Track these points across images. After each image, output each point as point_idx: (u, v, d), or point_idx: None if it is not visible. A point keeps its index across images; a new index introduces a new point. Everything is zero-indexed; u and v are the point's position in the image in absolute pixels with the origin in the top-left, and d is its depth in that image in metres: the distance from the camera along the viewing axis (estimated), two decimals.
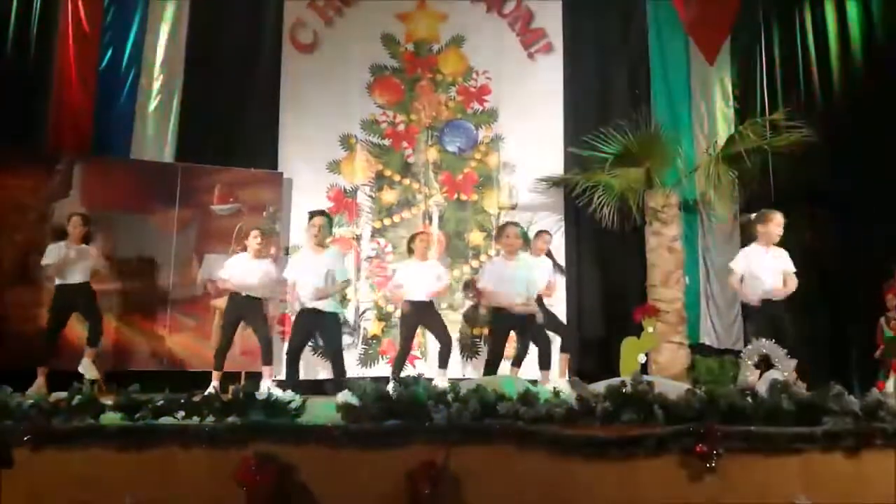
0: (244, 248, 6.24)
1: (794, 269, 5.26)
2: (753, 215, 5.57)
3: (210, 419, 2.97)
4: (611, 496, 2.88)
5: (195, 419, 2.99)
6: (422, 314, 6.30)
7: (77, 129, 6.96)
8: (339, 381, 5.04)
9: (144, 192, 6.73)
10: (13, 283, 6.29)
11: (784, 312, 5.17)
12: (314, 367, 6.82)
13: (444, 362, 6.28)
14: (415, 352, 7.07)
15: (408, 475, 2.80)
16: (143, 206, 6.66)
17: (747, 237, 5.44)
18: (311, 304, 5.25)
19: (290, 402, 3.05)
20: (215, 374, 5.92)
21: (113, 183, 6.68)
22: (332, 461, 2.88)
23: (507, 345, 5.73)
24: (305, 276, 5.31)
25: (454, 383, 3.22)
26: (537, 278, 5.89)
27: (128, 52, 7.30)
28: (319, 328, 5.44)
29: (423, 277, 6.31)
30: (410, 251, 6.47)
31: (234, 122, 7.37)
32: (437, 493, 2.77)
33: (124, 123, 7.19)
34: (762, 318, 5.13)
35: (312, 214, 5.48)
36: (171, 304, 6.69)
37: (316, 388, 6.28)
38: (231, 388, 3.14)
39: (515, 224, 5.85)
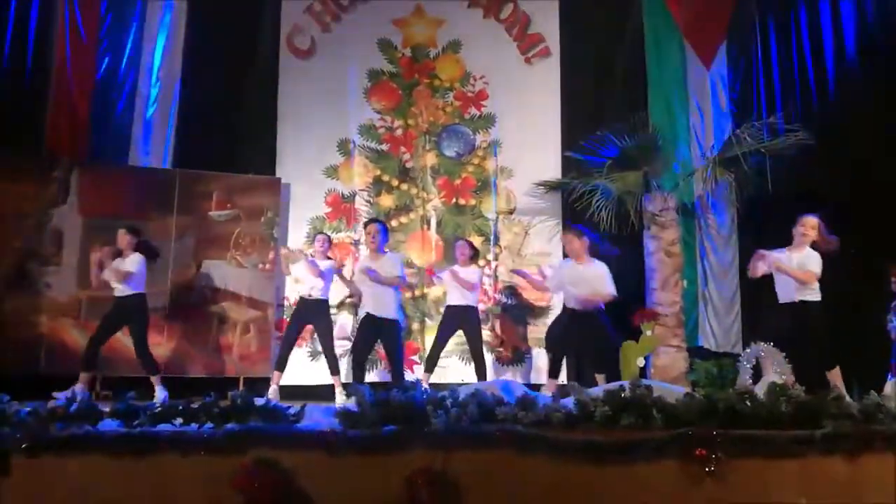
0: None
1: (810, 268, 5.15)
2: None
3: (208, 426, 2.97)
4: (610, 500, 2.88)
5: (193, 426, 2.98)
6: (460, 318, 6.33)
7: (75, 136, 6.96)
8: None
9: (142, 198, 6.72)
10: (12, 289, 6.28)
11: (812, 312, 5.12)
12: (310, 372, 6.81)
13: (481, 373, 6.30)
14: (413, 357, 7.09)
15: (406, 481, 2.80)
16: (141, 213, 6.65)
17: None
18: (371, 311, 5.47)
19: (287, 407, 3.05)
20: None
21: (111, 190, 6.68)
22: (330, 467, 2.87)
23: None
24: (364, 284, 5.53)
25: (453, 388, 3.22)
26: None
27: (125, 59, 7.31)
28: (381, 335, 5.60)
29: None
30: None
31: (232, 128, 7.37)
32: (435, 498, 2.76)
33: (122, 130, 7.21)
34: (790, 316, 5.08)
35: (366, 223, 5.80)
36: (168, 311, 6.67)
37: (314, 393, 6.28)
38: (229, 394, 3.13)
39: (570, 227, 5.93)
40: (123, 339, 5.96)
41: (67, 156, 6.78)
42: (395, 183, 7.55)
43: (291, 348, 6.29)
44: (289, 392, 6.18)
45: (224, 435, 2.90)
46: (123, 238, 5.92)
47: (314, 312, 6.26)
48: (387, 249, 6.07)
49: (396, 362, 5.68)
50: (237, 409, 3.01)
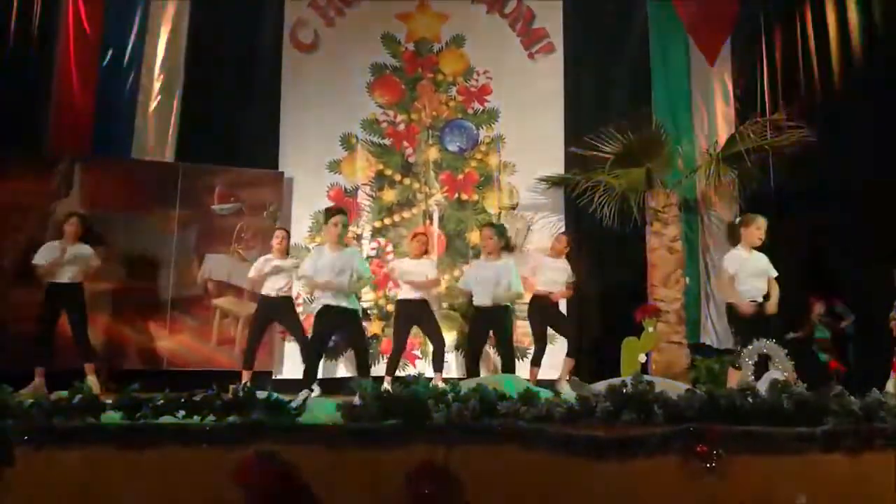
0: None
1: (775, 274, 5.22)
2: (738, 219, 5.59)
3: (210, 419, 2.97)
4: (611, 496, 2.88)
5: (196, 419, 2.99)
6: (415, 314, 6.30)
7: (78, 129, 6.97)
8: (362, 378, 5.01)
9: (145, 191, 6.73)
10: (14, 283, 6.29)
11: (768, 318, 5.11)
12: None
13: (438, 365, 6.27)
14: (415, 351, 7.09)
15: (408, 475, 2.80)
16: (143, 206, 6.66)
17: (734, 240, 5.42)
18: (332, 302, 5.33)
19: (290, 401, 3.05)
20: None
21: (114, 183, 6.68)
22: (332, 461, 2.88)
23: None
24: (325, 274, 5.35)
25: (454, 382, 3.23)
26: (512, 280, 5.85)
27: (128, 51, 7.31)
28: (341, 326, 5.50)
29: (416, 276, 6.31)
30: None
31: (235, 121, 7.37)
32: (437, 492, 2.77)
33: (125, 123, 7.21)
34: (750, 324, 5.05)
35: (332, 212, 5.55)
36: (171, 304, 6.69)
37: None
38: (231, 387, 3.14)
39: (491, 225, 6.04)
40: (128, 331, 5.95)
41: (70, 148, 6.79)
42: (397, 177, 7.55)
43: (258, 347, 6.24)
44: (289, 386, 6.18)
45: (226, 428, 2.90)
46: (76, 225, 5.87)
47: (280, 310, 6.22)
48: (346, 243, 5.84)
49: (362, 353, 5.55)
50: (239, 402, 3.01)
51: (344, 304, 5.34)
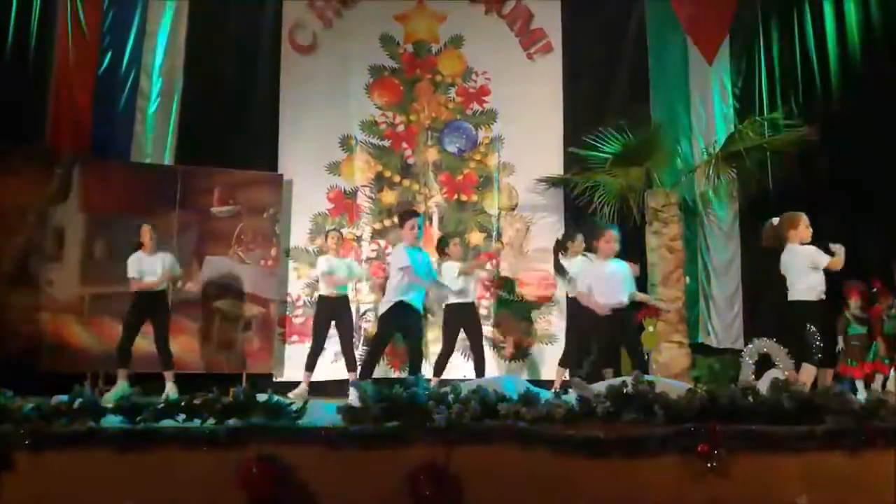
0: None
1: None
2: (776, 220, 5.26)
3: (211, 422, 2.97)
4: (612, 496, 2.88)
5: (196, 422, 2.99)
6: (467, 317, 6.24)
7: (77, 132, 6.96)
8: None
9: (144, 194, 6.71)
10: (13, 284, 6.28)
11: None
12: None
13: (482, 370, 6.18)
14: None
15: (409, 476, 2.80)
16: (142, 209, 6.63)
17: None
18: (399, 298, 5.31)
19: (290, 403, 3.06)
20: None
21: (113, 185, 6.67)
22: (333, 463, 2.88)
23: None
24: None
25: (455, 384, 3.23)
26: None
27: (127, 54, 7.30)
28: (408, 323, 5.44)
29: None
30: (443, 252, 6.39)
31: (234, 123, 7.36)
32: (437, 493, 2.77)
33: (124, 126, 7.20)
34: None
35: (407, 216, 5.58)
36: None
37: (321, 389, 6.29)
38: (232, 390, 3.14)
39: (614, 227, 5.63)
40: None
41: (69, 151, 6.78)
42: (396, 179, 7.54)
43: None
44: (294, 388, 6.18)
45: (226, 431, 2.90)
46: (151, 233, 5.91)
47: (343, 309, 6.38)
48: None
49: (418, 350, 5.54)
50: (239, 405, 3.02)
51: (411, 301, 5.35)
